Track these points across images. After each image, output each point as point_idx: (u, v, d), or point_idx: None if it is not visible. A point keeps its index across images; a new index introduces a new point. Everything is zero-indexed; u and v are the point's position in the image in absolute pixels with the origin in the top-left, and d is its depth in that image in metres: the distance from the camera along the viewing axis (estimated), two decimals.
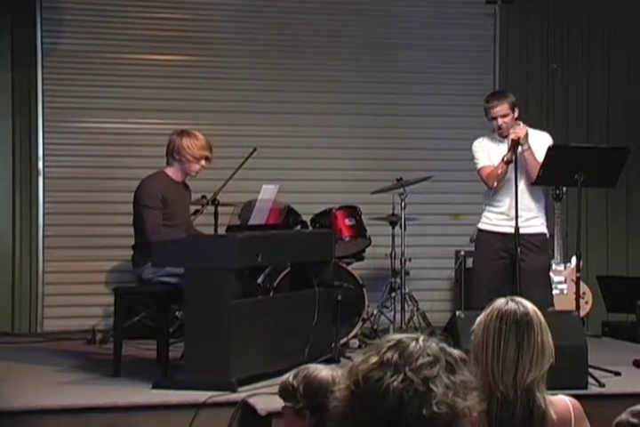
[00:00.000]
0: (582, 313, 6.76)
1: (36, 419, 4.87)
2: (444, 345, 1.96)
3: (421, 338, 1.95)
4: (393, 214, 7.57)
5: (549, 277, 6.52)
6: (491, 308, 3.01)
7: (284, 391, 3.09)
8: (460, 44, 8.58)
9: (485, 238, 6.28)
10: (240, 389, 5.21)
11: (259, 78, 8.20)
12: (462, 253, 8.00)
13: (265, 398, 4.92)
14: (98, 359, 6.41)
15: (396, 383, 1.87)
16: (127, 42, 7.98)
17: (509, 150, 6.05)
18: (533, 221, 6.20)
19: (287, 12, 8.28)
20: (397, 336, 1.97)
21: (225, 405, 5.02)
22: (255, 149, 6.94)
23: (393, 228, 7.60)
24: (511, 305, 2.98)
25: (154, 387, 5.34)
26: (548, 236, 6.36)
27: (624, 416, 2.54)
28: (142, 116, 8.00)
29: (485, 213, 6.33)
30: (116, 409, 4.97)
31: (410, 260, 7.56)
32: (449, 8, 8.59)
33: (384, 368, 1.89)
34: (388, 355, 1.91)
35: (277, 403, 3.21)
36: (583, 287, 7.24)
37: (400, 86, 8.46)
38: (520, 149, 6.02)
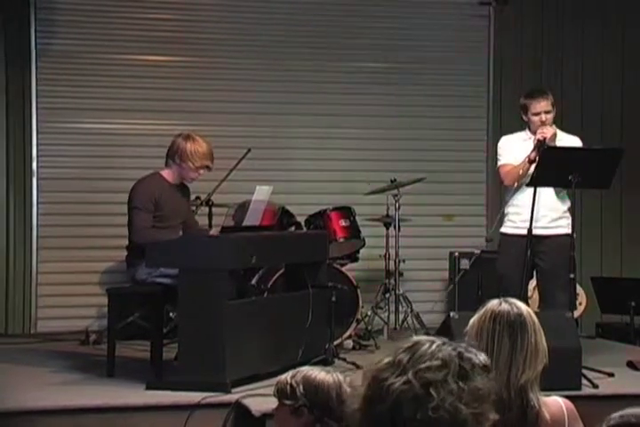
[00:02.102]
0: (576, 314, 6.76)
1: (29, 420, 4.86)
2: (463, 350, 1.93)
3: (439, 341, 1.93)
4: (387, 215, 7.57)
5: (573, 278, 6.31)
6: (484, 309, 3.01)
7: (282, 391, 3.12)
8: (454, 45, 8.58)
9: (511, 242, 6.13)
10: (234, 390, 5.21)
11: (253, 79, 8.19)
12: (456, 254, 8.00)
13: (259, 399, 4.91)
14: (91, 360, 6.39)
15: (396, 385, 1.86)
16: (121, 42, 7.97)
17: (533, 150, 5.98)
18: (560, 221, 6.14)
19: (279, 13, 8.27)
20: (418, 338, 1.96)
21: (219, 406, 5.01)
22: (249, 150, 6.94)
23: (387, 229, 7.60)
24: (504, 306, 2.99)
25: (147, 388, 5.33)
26: (574, 237, 6.04)
27: (634, 420, 2.46)
28: (137, 116, 7.99)
29: (509, 217, 6.22)
30: (109, 410, 4.97)
31: (404, 261, 7.56)
32: (442, 9, 8.59)
33: (392, 369, 1.90)
34: (401, 356, 1.91)
35: (271, 404, 3.22)
36: (577, 288, 7.25)
37: (394, 88, 8.46)
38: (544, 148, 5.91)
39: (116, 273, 7.51)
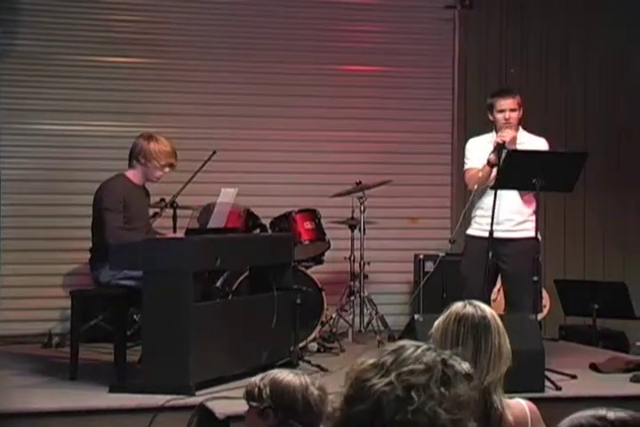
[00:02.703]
0: (540, 317, 6.80)
1: None
2: (447, 357, 1.94)
3: (424, 347, 1.95)
4: (352, 218, 7.58)
5: (538, 282, 6.37)
6: (449, 311, 3.02)
7: (250, 393, 3.15)
8: (420, 48, 8.61)
9: (476, 244, 6.14)
10: (198, 392, 5.19)
11: (217, 81, 8.17)
12: (421, 256, 8.02)
13: (223, 401, 4.90)
14: (54, 363, 6.35)
15: (379, 386, 1.87)
16: (84, 44, 7.91)
17: (492, 153, 6.01)
18: (525, 224, 6.14)
19: (243, 15, 8.25)
20: (403, 342, 1.98)
21: (183, 408, 5.00)
22: (215, 152, 6.92)
23: (352, 231, 7.61)
24: (469, 309, 3.00)
25: (111, 391, 5.31)
26: (540, 240, 6.13)
27: (585, 421, 2.49)
28: (100, 118, 7.94)
29: (476, 219, 6.24)
30: (72, 413, 4.95)
31: (369, 263, 7.57)
32: (408, 13, 8.61)
33: (375, 370, 1.91)
34: (385, 358, 1.92)
35: (236, 406, 3.23)
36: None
37: (359, 90, 8.47)
38: (505, 152, 5.93)
39: (80, 275, 7.46)
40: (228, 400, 4.80)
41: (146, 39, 8.05)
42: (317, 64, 8.39)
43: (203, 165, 6.79)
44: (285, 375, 3.13)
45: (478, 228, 6.20)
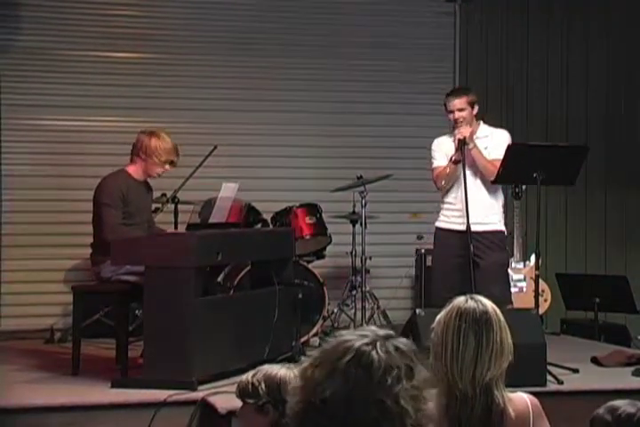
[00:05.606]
0: (541, 311, 6.80)
1: None
2: (397, 344, 1.88)
3: (378, 343, 1.85)
4: (353, 212, 7.57)
5: (508, 274, 6.59)
6: (450, 306, 3.02)
7: (244, 390, 3.13)
8: (420, 42, 8.60)
9: (443, 236, 6.30)
10: (200, 387, 5.20)
11: (218, 76, 8.17)
12: (422, 251, 8.02)
13: (225, 396, 4.90)
14: (56, 358, 6.36)
15: (369, 405, 1.80)
16: (85, 39, 7.91)
17: (456, 150, 6.12)
18: (491, 218, 6.23)
19: (242, 10, 8.25)
20: (352, 344, 1.85)
21: (185, 403, 5.00)
22: (215, 147, 6.92)
23: (353, 226, 7.60)
24: (471, 303, 2.99)
25: (113, 386, 5.31)
26: (506, 233, 6.38)
27: (601, 411, 2.54)
28: (102, 113, 7.94)
29: (443, 212, 6.37)
30: (74, 409, 4.95)
31: (370, 258, 7.56)
32: (409, 6, 8.61)
33: (350, 386, 1.80)
34: (352, 371, 1.81)
35: (238, 401, 3.22)
36: (542, 285, 7.29)
37: (360, 84, 8.46)
38: (467, 148, 6.08)
39: (82, 271, 7.47)
40: (229, 395, 4.77)
41: (147, 34, 8.05)
42: (318, 58, 8.38)
43: (204, 160, 6.80)
44: (277, 370, 3.13)
45: (445, 220, 6.34)
